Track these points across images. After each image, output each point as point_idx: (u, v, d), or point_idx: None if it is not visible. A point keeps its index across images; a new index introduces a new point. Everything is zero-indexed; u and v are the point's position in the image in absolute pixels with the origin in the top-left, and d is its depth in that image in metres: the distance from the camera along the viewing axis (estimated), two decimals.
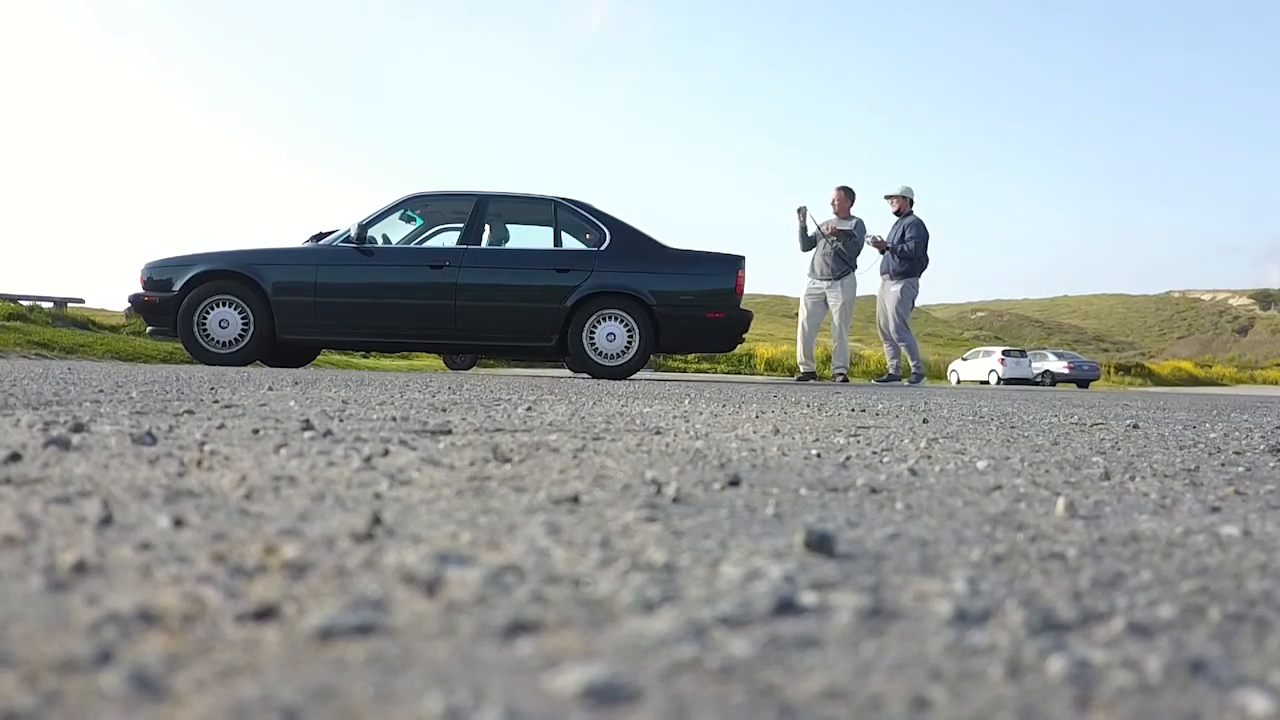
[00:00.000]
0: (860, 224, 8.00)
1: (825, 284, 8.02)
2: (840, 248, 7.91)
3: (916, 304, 8.53)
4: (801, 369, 8.24)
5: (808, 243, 8.12)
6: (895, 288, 8.15)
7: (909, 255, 8.07)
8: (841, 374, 8.25)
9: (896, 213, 8.27)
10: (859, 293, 8.27)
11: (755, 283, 8.41)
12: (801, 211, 8.07)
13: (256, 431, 1.53)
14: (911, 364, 8.23)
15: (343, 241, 6.07)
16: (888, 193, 8.30)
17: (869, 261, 8.34)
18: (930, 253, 8.26)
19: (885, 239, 8.16)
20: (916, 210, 8.29)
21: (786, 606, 0.59)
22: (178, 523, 0.78)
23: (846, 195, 8.16)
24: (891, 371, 8.39)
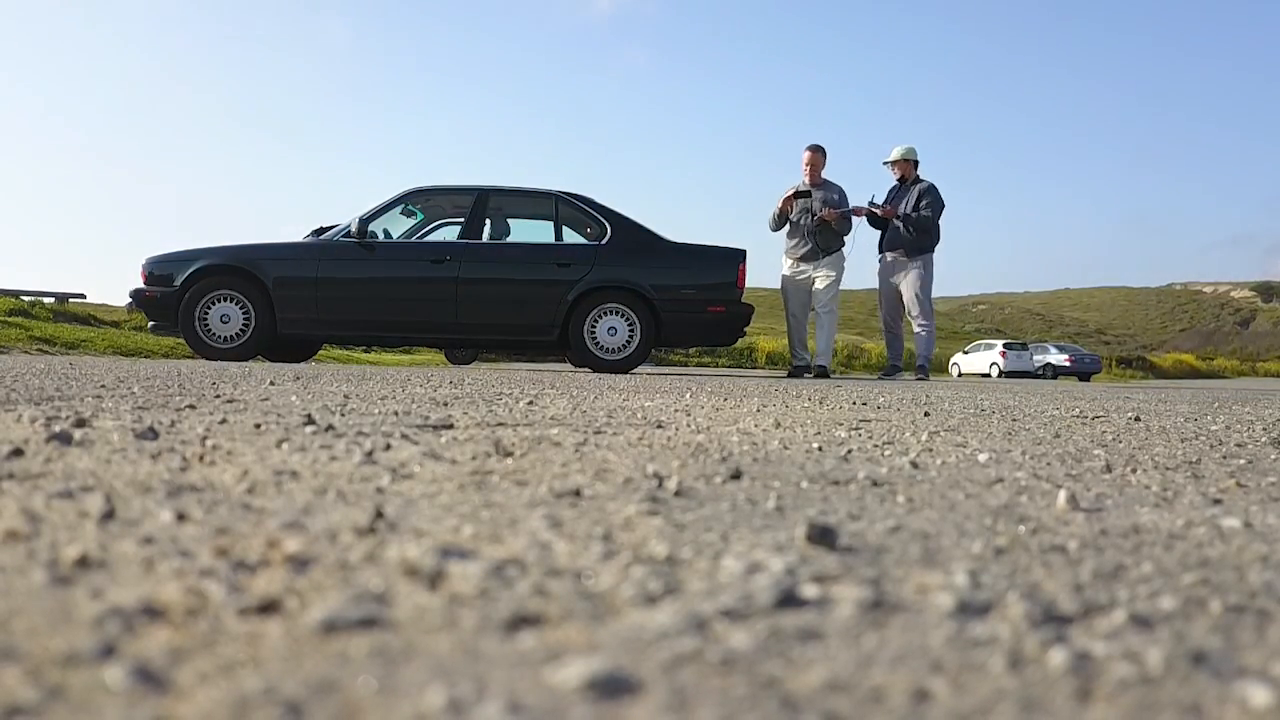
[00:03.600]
0: (842, 193, 6.94)
1: (810, 265, 7.00)
2: (833, 227, 6.92)
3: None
4: (795, 362, 7.29)
5: (782, 224, 7.09)
6: (914, 265, 7.07)
7: (926, 226, 6.94)
8: (822, 365, 7.11)
9: (901, 179, 7.19)
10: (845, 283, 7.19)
11: (756, 277, 7.73)
12: (799, 201, 6.95)
13: (258, 426, 1.53)
14: (911, 355, 7.54)
15: (343, 236, 6.07)
16: (888, 158, 7.20)
17: (859, 240, 7.55)
18: (941, 225, 7.07)
19: (893, 207, 6.97)
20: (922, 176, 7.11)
21: (788, 599, 0.59)
22: (180, 517, 0.78)
23: (821, 156, 6.98)
24: (897, 364, 7.47)
